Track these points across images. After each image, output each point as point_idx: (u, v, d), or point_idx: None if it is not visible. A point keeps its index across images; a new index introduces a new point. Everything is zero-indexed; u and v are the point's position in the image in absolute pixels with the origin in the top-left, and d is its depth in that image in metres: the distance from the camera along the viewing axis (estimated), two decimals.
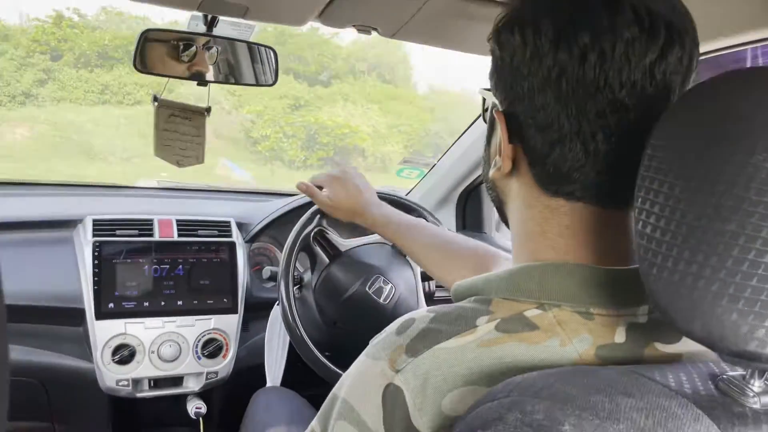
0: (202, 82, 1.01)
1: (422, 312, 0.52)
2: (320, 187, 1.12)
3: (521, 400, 0.41)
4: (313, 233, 1.18)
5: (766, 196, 0.37)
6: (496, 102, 0.55)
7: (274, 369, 1.28)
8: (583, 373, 0.43)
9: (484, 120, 0.70)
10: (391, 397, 0.47)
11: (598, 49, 0.47)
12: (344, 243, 1.22)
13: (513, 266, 0.54)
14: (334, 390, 0.55)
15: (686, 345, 0.50)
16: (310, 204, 1.23)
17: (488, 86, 0.60)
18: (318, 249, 1.19)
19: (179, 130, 1.09)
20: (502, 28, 0.53)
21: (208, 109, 1.10)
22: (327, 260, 1.20)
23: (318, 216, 1.18)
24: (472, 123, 1.65)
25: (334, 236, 1.21)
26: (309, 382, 1.14)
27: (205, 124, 1.11)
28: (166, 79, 1.06)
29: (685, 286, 0.39)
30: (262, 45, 1.07)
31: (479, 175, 1.68)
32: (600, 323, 0.49)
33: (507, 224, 0.61)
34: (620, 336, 0.49)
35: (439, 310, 0.52)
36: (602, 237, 0.52)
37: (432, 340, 0.48)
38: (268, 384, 1.28)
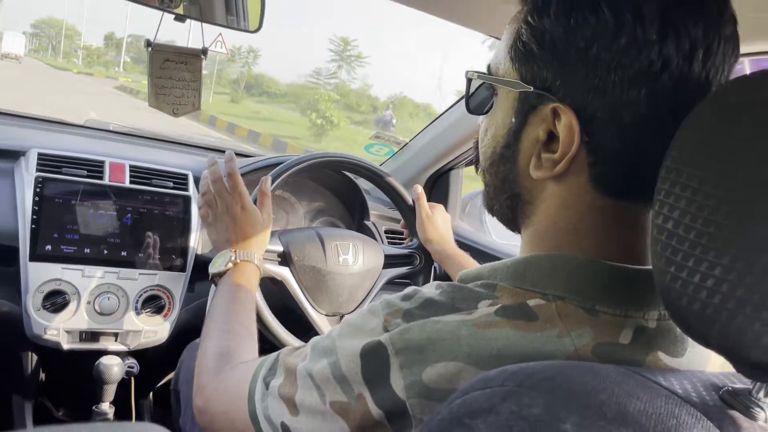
0: (180, 17, 0.93)
1: (431, 285, 0.51)
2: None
3: (518, 391, 0.38)
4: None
5: None
6: (548, 95, 0.47)
7: None
8: (584, 370, 0.39)
9: (468, 107, 0.62)
10: (375, 352, 0.47)
11: (706, 45, 0.43)
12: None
13: (522, 255, 0.51)
14: (330, 330, 0.55)
15: (690, 362, 0.48)
16: (272, 166, 1.18)
17: (479, 70, 0.55)
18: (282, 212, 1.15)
19: (174, 77, 1.03)
20: (578, 3, 0.45)
21: (205, 51, 1.04)
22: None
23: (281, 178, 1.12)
24: (448, 109, 1.61)
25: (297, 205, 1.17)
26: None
27: (201, 67, 1.05)
28: (158, 21, 0.99)
29: (706, 288, 0.37)
30: None
31: (449, 161, 1.65)
32: (605, 321, 0.46)
33: (515, 226, 0.56)
34: (625, 337, 0.46)
35: (447, 286, 0.50)
36: (636, 236, 0.49)
37: (431, 311, 0.48)
38: None
